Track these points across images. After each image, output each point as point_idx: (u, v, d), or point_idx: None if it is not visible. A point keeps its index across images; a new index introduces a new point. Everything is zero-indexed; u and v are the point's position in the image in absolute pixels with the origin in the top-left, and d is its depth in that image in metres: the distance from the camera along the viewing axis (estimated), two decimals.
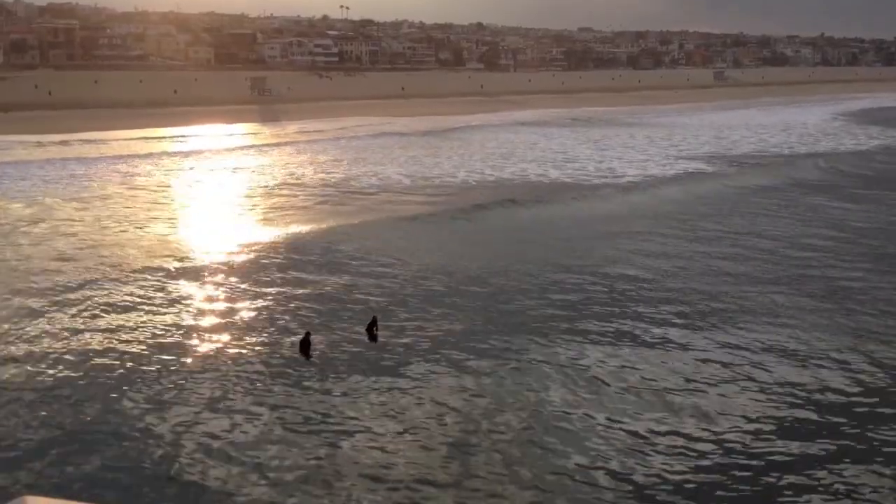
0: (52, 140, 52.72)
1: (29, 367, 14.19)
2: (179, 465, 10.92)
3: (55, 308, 17.51)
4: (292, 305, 18.02)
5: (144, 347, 15.29)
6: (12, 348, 15.11)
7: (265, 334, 15.99)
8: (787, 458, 11.01)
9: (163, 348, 15.20)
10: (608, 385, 13.47)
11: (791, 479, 10.55)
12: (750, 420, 12.13)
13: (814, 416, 12.40)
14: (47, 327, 16.28)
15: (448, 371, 14.18)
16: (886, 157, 48.71)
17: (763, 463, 10.90)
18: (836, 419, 12.27)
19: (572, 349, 15.23)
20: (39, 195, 32.51)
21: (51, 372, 14.00)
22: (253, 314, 17.40)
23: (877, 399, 13.03)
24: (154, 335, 15.93)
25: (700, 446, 11.32)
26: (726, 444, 11.38)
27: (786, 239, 25.35)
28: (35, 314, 17.10)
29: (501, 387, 13.49)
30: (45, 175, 37.79)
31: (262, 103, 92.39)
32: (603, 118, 76.62)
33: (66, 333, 15.99)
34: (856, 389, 13.45)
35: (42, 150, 48.46)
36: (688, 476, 10.58)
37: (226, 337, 15.95)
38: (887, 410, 12.58)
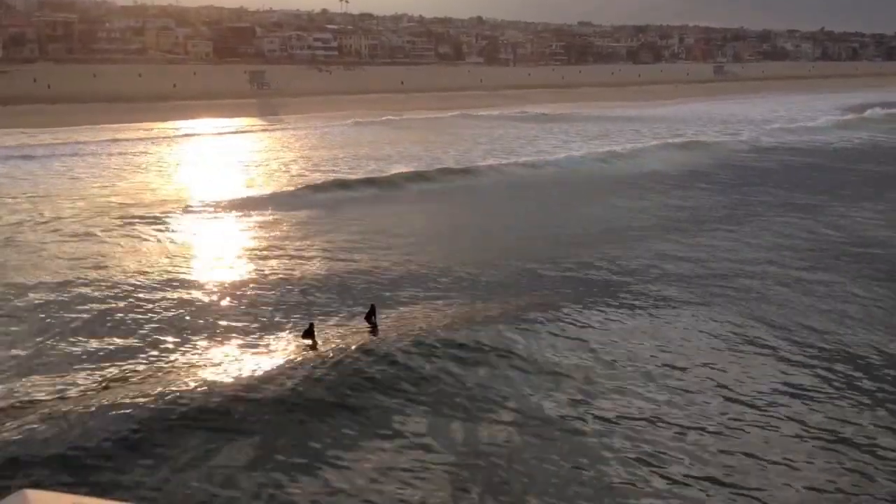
0: (50, 134, 52.86)
1: None
2: None
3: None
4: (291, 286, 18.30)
5: (140, 343, 14.76)
6: None
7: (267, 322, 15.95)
8: None
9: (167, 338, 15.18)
10: None
11: None
12: None
13: None
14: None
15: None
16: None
17: None
18: None
19: None
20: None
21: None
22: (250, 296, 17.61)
23: None
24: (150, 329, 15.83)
25: None
26: None
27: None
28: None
29: None
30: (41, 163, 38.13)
31: (260, 97, 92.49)
32: (604, 114, 76.55)
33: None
34: None
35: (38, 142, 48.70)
36: None
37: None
38: None
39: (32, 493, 2.23)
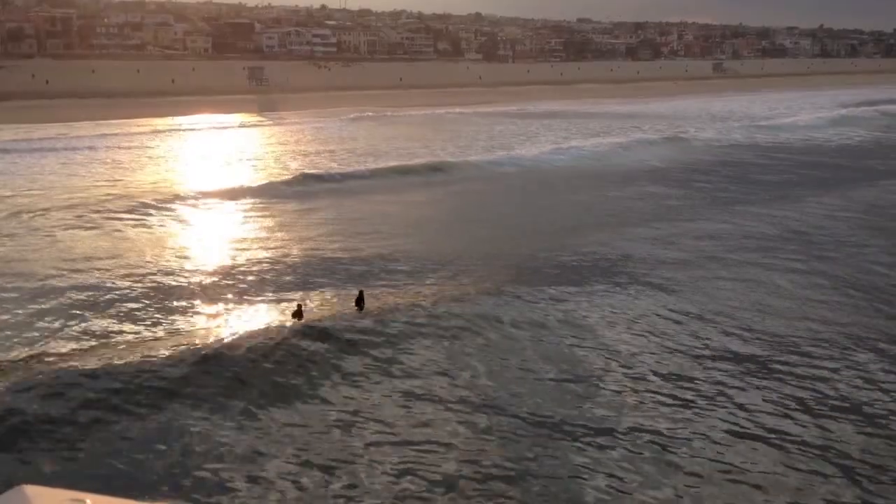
0: (48, 129, 52.88)
1: None
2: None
3: None
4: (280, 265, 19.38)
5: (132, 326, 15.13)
6: None
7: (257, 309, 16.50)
8: None
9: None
10: None
11: None
12: None
13: None
14: None
15: None
16: None
17: None
18: None
19: None
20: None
21: None
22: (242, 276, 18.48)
23: None
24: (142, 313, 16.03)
25: None
26: None
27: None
28: None
29: None
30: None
31: (259, 93, 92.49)
32: (603, 111, 76.55)
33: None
34: None
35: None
36: None
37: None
38: None
39: (30, 489, 2.24)
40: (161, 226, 24.27)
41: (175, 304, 16.28)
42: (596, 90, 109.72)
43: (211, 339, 13.71)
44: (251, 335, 13.70)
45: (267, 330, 14.06)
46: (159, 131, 54.42)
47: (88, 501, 2.14)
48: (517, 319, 15.15)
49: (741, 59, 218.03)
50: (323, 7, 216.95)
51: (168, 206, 26.83)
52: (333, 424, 11.06)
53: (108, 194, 28.75)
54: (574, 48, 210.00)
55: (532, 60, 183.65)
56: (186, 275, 18.47)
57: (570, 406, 11.64)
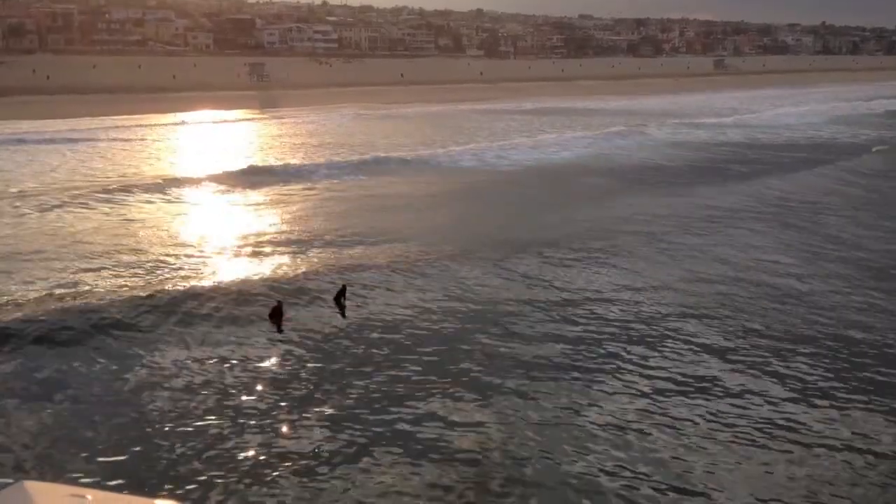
0: (49, 125, 52.97)
1: None
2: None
3: None
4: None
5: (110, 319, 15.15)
6: None
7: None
8: None
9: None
10: None
11: None
12: None
13: None
14: None
15: None
16: None
17: None
18: None
19: None
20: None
21: None
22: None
23: None
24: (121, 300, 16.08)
25: None
26: None
27: None
28: None
29: None
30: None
31: (259, 89, 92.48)
32: (606, 106, 76.45)
33: None
34: None
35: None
36: None
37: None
38: None
39: (31, 485, 2.29)
40: (148, 210, 26.01)
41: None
42: (597, 87, 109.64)
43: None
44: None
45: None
46: (165, 126, 54.51)
47: (89, 496, 2.16)
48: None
49: (742, 55, 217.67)
50: (324, 3, 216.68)
51: (158, 193, 28.40)
52: None
53: (112, 181, 30.29)
54: (575, 44, 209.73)
55: (533, 57, 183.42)
56: (167, 250, 20.07)
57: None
